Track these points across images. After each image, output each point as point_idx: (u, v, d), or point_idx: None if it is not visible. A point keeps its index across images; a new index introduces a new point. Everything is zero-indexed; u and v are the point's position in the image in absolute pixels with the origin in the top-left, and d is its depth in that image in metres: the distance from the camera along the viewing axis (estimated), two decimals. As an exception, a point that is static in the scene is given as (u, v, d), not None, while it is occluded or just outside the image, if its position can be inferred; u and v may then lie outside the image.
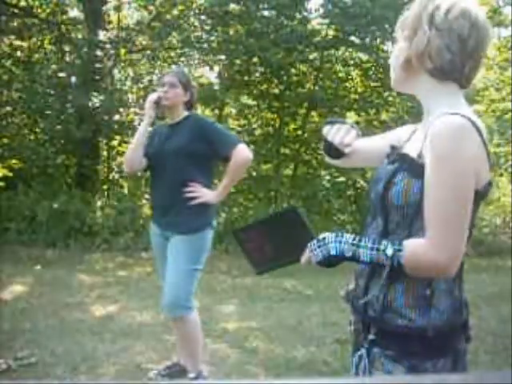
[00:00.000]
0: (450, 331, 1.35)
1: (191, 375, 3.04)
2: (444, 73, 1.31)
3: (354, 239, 1.33)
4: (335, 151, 1.60)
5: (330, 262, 1.36)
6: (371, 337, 1.38)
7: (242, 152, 2.90)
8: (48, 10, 9.77)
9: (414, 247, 1.27)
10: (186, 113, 3.01)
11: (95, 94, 8.23)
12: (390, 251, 1.27)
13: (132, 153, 2.99)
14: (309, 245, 1.38)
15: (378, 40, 8.98)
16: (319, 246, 1.36)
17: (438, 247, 1.24)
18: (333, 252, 1.34)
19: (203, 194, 2.88)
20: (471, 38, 1.28)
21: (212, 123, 3.07)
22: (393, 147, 1.48)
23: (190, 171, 2.87)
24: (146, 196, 9.17)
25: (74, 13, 9.95)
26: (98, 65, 8.81)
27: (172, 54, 9.76)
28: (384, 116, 10.09)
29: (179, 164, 2.86)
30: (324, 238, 1.36)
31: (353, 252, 1.32)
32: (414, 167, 1.31)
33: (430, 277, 1.30)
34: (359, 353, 1.41)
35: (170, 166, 2.88)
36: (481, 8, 1.34)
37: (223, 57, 9.26)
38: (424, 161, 1.28)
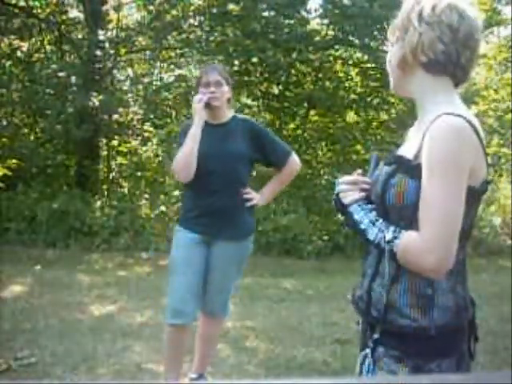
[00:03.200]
0: (455, 331, 1.35)
1: (193, 376, 3.04)
2: (439, 65, 1.33)
3: (374, 217, 1.37)
4: None
5: (343, 213, 1.43)
6: (376, 336, 1.38)
7: (295, 162, 2.98)
8: (48, 10, 9.76)
9: (408, 240, 1.28)
10: (229, 113, 2.91)
11: (95, 93, 8.23)
12: (389, 236, 1.31)
13: (188, 159, 2.71)
14: (360, 197, 1.42)
15: (378, 40, 8.98)
16: (359, 206, 1.40)
17: (428, 246, 1.24)
18: (356, 216, 1.39)
19: (254, 197, 2.88)
20: (461, 27, 1.31)
21: (266, 131, 3.02)
22: (391, 151, 1.56)
23: (244, 175, 2.87)
24: (146, 196, 9.18)
25: (74, 13, 9.93)
26: (97, 65, 8.81)
27: (172, 54, 9.76)
28: (383, 116, 10.09)
29: (236, 168, 2.81)
30: (365, 201, 1.41)
31: (366, 226, 1.36)
32: (410, 168, 1.31)
33: (420, 273, 1.31)
34: (364, 352, 1.42)
35: (225, 170, 2.77)
36: (468, 3, 1.37)
37: (222, 57, 9.26)
38: (420, 161, 1.29)
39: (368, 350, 1.40)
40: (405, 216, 1.32)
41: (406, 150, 1.39)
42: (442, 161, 1.24)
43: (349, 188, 1.44)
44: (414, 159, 1.32)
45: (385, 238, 1.31)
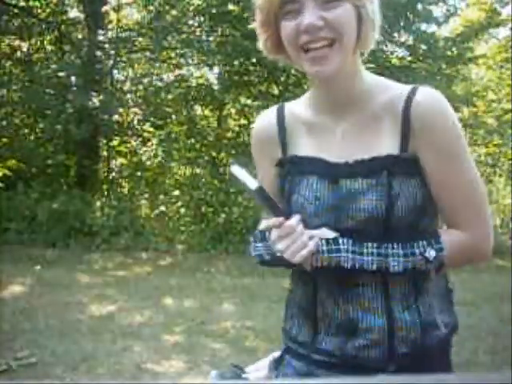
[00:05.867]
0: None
1: None
2: None
3: (378, 247, 1.04)
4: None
5: (332, 268, 1.05)
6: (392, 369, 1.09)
7: None
8: (48, 10, 9.77)
9: (457, 242, 1.08)
10: None
11: (95, 94, 8.23)
12: (432, 253, 1.04)
13: None
14: (317, 242, 1.04)
15: (377, 40, 8.97)
16: (329, 251, 1.04)
17: (481, 236, 1.10)
18: (346, 264, 1.03)
19: None
20: None
21: None
22: (326, 161, 1.11)
23: None
24: (146, 196, 9.18)
25: (74, 13, 9.94)
26: (97, 65, 8.81)
27: (172, 54, 9.76)
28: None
29: None
30: (336, 241, 1.04)
31: (378, 264, 1.04)
32: (406, 166, 1.06)
33: (471, 264, 1.17)
34: None
35: None
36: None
37: (222, 57, 9.26)
38: (415, 151, 1.06)
39: None
40: (415, 222, 1.07)
41: (376, 148, 1.08)
42: (458, 136, 1.06)
43: (289, 241, 1.03)
44: (404, 153, 1.06)
45: (425, 257, 1.04)
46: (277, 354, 1.27)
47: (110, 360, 3.42)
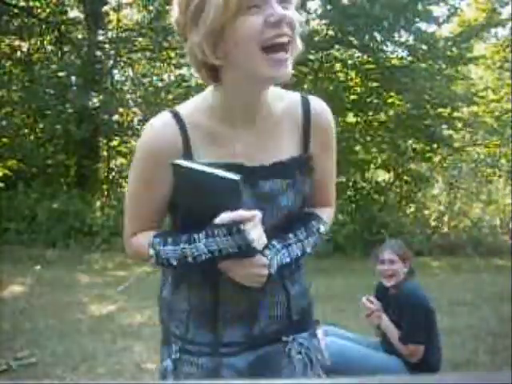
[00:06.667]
0: None
1: None
2: None
3: (295, 235, 1.20)
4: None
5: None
6: (291, 337, 1.28)
7: None
8: (48, 10, 9.78)
9: (329, 216, 1.32)
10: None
11: (95, 94, 8.24)
12: (323, 229, 1.26)
13: None
14: (261, 258, 1.11)
15: (377, 40, 8.98)
16: (276, 254, 1.15)
17: (334, 205, 1.35)
18: (287, 259, 1.17)
19: None
20: None
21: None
22: (242, 166, 1.15)
23: None
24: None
25: (74, 13, 9.96)
26: (97, 65, 8.82)
27: (172, 54, 9.77)
28: (383, 117, 10.08)
29: None
30: (273, 246, 1.15)
31: (301, 249, 1.21)
32: (308, 163, 1.21)
33: None
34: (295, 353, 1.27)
35: None
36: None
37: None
38: (311, 150, 1.21)
39: (294, 346, 1.26)
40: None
41: (277, 151, 1.17)
42: (334, 134, 1.26)
43: (258, 231, 1.09)
44: (307, 151, 1.21)
45: (320, 233, 1.26)
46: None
47: (110, 360, 3.42)
